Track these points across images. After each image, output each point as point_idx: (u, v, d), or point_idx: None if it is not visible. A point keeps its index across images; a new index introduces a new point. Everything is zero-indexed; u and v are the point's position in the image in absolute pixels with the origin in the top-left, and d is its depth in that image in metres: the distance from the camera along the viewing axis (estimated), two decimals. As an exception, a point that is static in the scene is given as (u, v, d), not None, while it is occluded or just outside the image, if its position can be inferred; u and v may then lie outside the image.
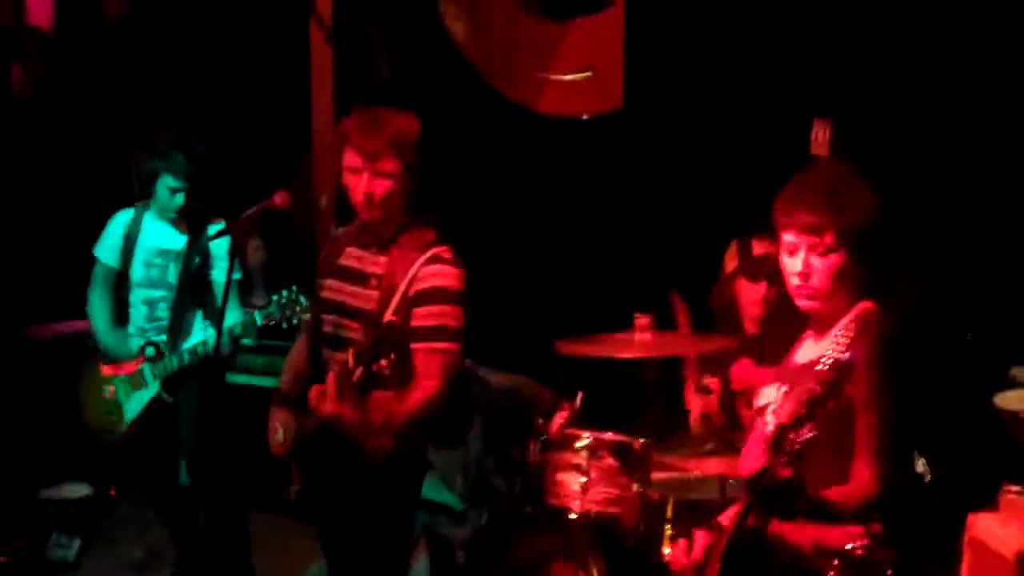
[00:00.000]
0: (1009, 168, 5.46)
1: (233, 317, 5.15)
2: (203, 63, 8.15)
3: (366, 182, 3.84)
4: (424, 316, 3.82)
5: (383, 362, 3.49)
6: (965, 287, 5.33)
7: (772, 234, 4.64)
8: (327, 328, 4.02)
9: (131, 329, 5.45)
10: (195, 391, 5.39)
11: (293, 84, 7.53)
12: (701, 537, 3.31)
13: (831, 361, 2.81)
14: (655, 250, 6.38)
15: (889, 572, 2.99)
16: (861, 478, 2.96)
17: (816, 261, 3.17)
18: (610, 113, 6.55)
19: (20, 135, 8.02)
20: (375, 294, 3.89)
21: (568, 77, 6.69)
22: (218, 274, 5.30)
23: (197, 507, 5.48)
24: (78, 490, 6.83)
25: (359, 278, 3.96)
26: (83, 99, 8.40)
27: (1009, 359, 4.95)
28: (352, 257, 4.03)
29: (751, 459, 3.14)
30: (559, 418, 4.80)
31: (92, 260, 5.54)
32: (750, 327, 4.74)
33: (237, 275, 5.22)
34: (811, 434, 2.74)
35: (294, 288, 4.91)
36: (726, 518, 3.27)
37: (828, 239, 3.14)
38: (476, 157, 6.80)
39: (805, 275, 3.18)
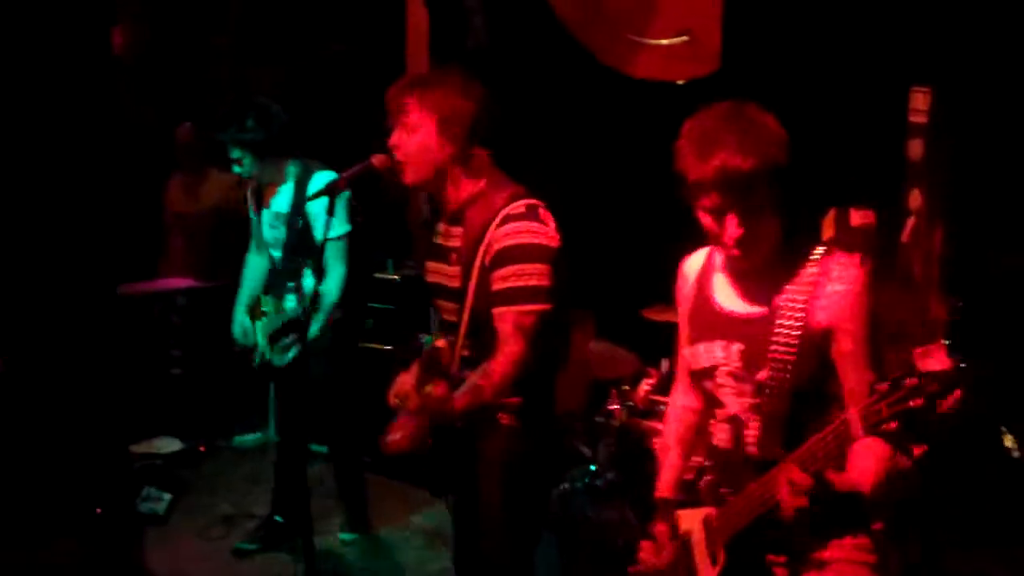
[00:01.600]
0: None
1: (336, 275, 5.16)
2: (300, 24, 8.20)
3: (394, 135, 3.74)
4: (500, 279, 3.63)
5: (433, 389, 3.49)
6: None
7: (871, 204, 4.60)
8: (443, 315, 3.91)
9: None
10: (302, 355, 5.35)
11: (390, 47, 7.54)
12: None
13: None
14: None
15: None
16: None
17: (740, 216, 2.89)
18: (707, 76, 6.46)
19: (121, 98, 8.13)
20: (456, 270, 3.76)
21: (664, 41, 6.60)
22: (320, 233, 5.25)
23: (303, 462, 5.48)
24: (169, 445, 6.96)
25: (444, 255, 3.84)
26: (182, 63, 8.51)
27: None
28: (440, 234, 3.90)
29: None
30: (645, 385, 4.79)
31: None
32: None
33: (340, 231, 5.20)
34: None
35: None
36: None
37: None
38: (570, 122, 6.75)
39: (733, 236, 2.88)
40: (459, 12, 7.28)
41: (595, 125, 6.77)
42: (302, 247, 5.28)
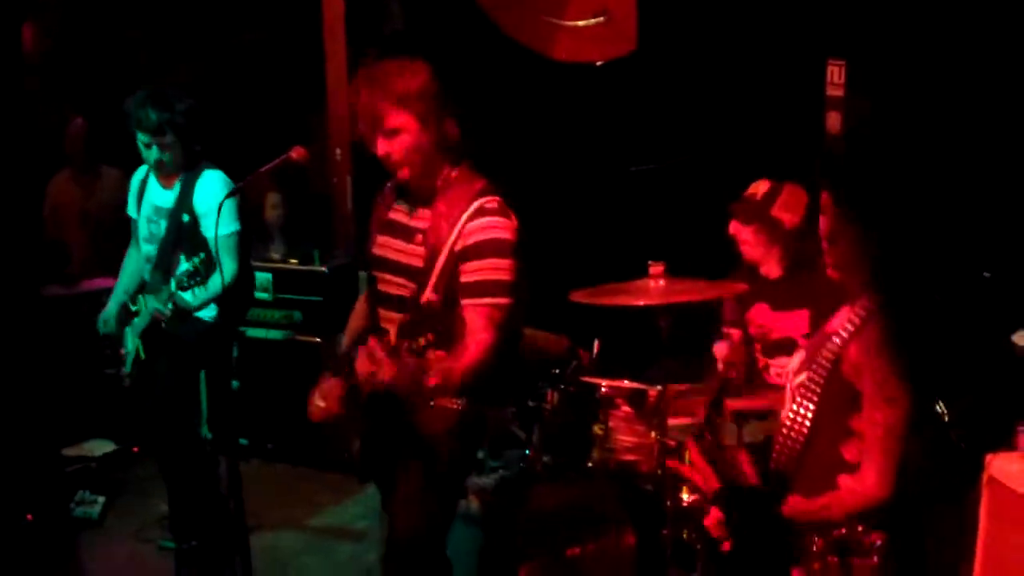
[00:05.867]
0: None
1: (228, 272, 5.10)
2: (213, 16, 8.13)
3: (380, 145, 3.77)
4: (472, 272, 3.71)
5: (422, 340, 3.40)
6: (983, 225, 5.27)
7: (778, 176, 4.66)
8: (382, 286, 3.95)
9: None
10: (171, 351, 5.31)
11: (306, 35, 7.50)
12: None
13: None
14: (669, 196, 6.35)
15: (875, 558, 2.95)
16: (865, 481, 2.91)
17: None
18: (624, 57, 6.49)
19: (30, 94, 8.01)
20: (421, 250, 3.80)
21: (581, 23, 6.62)
22: (208, 229, 5.19)
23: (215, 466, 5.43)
24: (101, 447, 6.89)
25: (405, 233, 3.88)
26: (94, 58, 8.41)
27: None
28: (400, 211, 3.94)
29: None
30: (576, 367, 4.82)
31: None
32: (764, 272, 4.73)
33: (232, 228, 5.17)
34: None
35: (202, 255, 4.86)
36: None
37: None
38: (488, 106, 6.76)
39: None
40: (375, -1, 7.28)
41: (515, 108, 6.79)
42: (185, 243, 5.22)
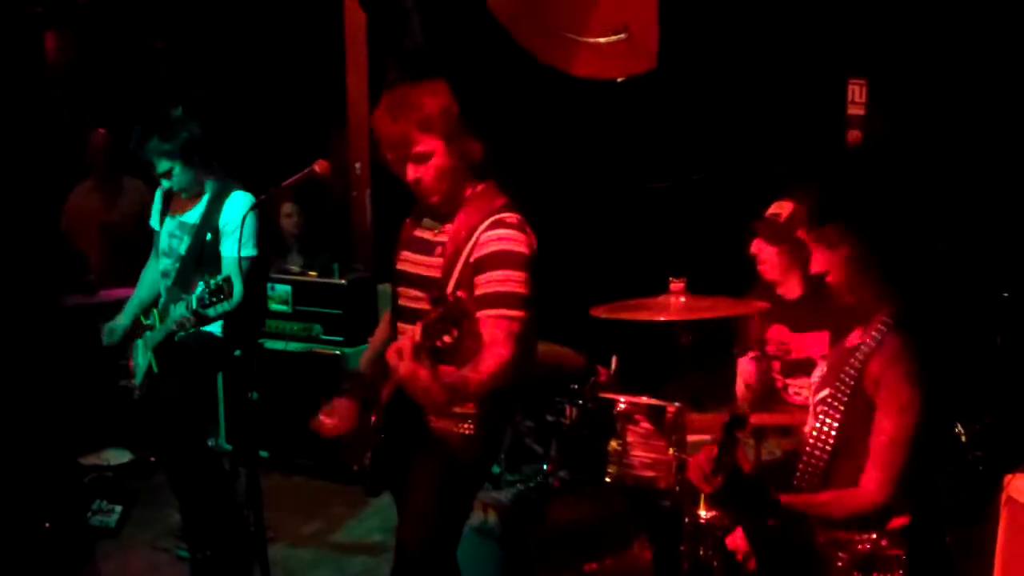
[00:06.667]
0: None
1: (235, 293, 5.10)
2: (237, 30, 8.17)
3: (410, 171, 3.78)
4: (487, 283, 3.69)
5: (447, 338, 3.34)
6: (1001, 244, 5.27)
7: (794, 195, 4.65)
8: (401, 301, 3.96)
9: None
10: (178, 362, 5.33)
11: (328, 50, 7.53)
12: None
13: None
14: (690, 213, 6.35)
15: (899, 572, 2.96)
16: (866, 486, 2.93)
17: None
18: (644, 74, 6.50)
19: (53, 105, 8.06)
20: (439, 261, 3.80)
21: (603, 40, 6.64)
22: (227, 249, 5.24)
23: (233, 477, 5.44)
24: (118, 456, 6.91)
25: (427, 248, 3.89)
26: (116, 69, 8.45)
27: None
28: (426, 228, 3.95)
29: None
30: (594, 383, 4.81)
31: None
32: (782, 292, 4.72)
33: (249, 252, 5.19)
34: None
35: (219, 277, 4.88)
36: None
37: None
38: (509, 121, 6.78)
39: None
40: (397, 13, 7.28)
41: (535, 124, 6.80)
42: (203, 261, 5.24)
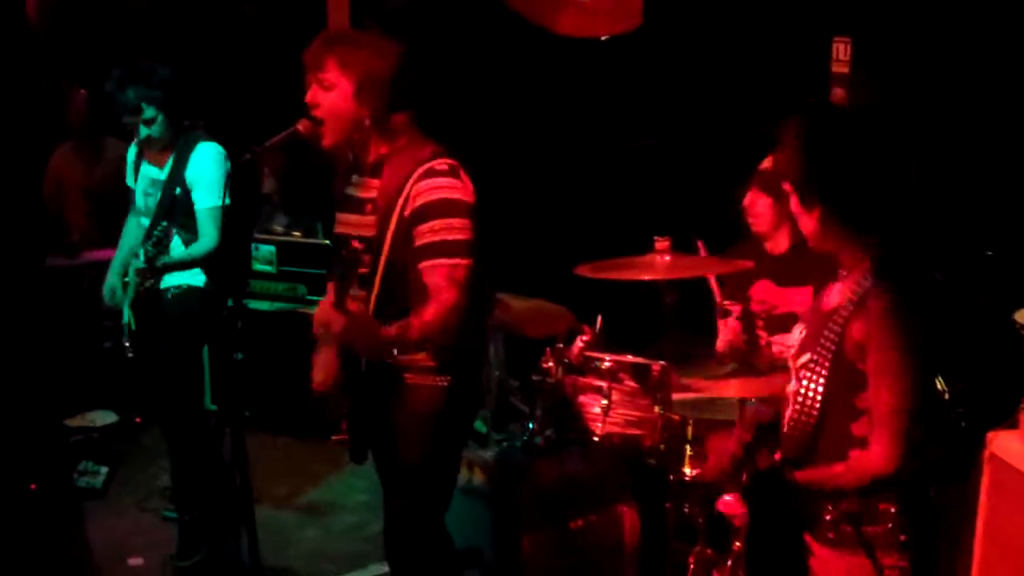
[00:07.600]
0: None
1: (208, 242, 5.07)
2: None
3: (310, 92, 3.74)
4: (426, 233, 3.66)
5: (356, 277, 3.50)
6: (986, 203, 5.28)
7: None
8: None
9: None
10: (173, 323, 5.31)
11: (310, 9, 7.48)
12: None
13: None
14: (674, 172, 6.35)
15: (889, 524, 2.98)
16: (873, 456, 2.93)
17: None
18: (629, 32, 6.48)
19: (33, 66, 7.97)
20: (371, 219, 3.77)
21: (587, -2, 6.61)
22: (199, 200, 5.14)
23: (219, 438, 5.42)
24: (104, 417, 6.90)
25: (357, 205, 3.86)
26: (96, 28, 8.38)
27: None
28: (353, 184, 3.92)
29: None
30: (579, 342, 4.82)
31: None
32: (770, 247, 4.72)
33: (213, 203, 5.12)
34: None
35: (163, 224, 4.87)
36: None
37: None
38: (494, 81, 6.75)
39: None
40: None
41: (519, 83, 6.78)
42: (176, 215, 5.20)
